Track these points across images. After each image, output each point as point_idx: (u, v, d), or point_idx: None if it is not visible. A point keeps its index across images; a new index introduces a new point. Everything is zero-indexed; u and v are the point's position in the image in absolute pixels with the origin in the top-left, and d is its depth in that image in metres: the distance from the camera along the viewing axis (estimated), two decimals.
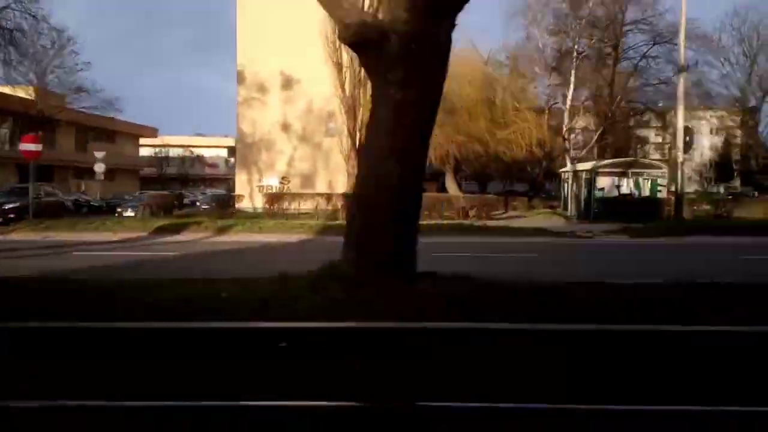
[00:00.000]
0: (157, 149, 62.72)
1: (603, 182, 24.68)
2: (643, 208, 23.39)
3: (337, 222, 22.28)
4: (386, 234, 7.06)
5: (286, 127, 34.74)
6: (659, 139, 72.19)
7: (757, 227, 18.31)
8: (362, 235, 7.19)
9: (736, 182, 62.74)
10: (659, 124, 71.77)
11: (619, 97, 34.06)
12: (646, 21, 35.97)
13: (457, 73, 27.06)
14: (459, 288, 6.89)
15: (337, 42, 30.13)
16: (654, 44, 36.19)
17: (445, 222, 21.57)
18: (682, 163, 21.13)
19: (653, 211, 23.29)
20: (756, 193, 51.89)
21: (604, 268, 10.87)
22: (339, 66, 29.79)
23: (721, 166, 65.42)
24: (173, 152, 66.24)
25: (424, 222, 21.91)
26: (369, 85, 30.11)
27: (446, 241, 16.01)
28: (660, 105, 41.84)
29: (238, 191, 35.31)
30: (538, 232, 18.64)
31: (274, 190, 33.04)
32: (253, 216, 25.97)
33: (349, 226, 7.42)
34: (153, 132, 56.28)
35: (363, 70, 29.84)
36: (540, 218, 27.98)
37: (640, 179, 24.17)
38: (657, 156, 74.09)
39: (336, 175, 32.36)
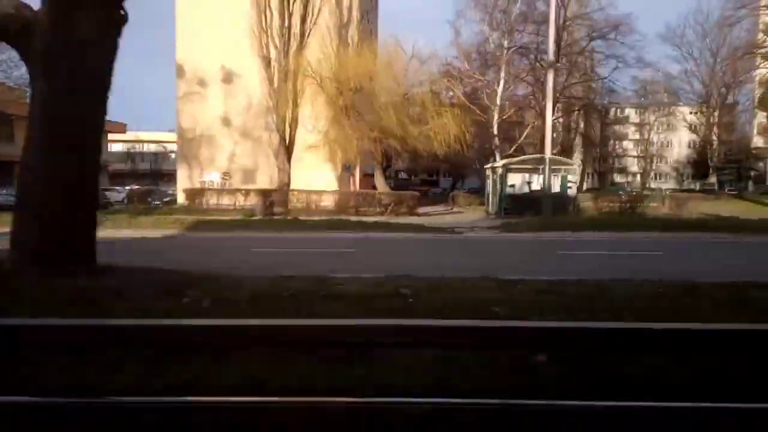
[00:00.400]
0: (130, 145, 63.01)
1: (515, 179, 24.49)
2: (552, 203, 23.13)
3: (214, 218, 22.39)
4: (43, 229, 6.95)
5: (226, 122, 34.77)
6: (637, 136, 71.76)
7: (629, 225, 18.03)
8: (22, 231, 7.11)
9: (713, 178, 61.92)
10: (637, 121, 71.55)
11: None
12: (586, 16, 35.51)
13: (378, 68, 26.88)
14: (116, 281, 6.85)
15: (263, 37, 30.12)
16: (591, 40, 35.71)
17: (332, 218, 21.43)
18: (549, 161, 20.85)
19: (561, 206, 23.05)
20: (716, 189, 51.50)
21: (387, 260, 10.98)
22: (267, 60, 29.72)
23: (698, 163, 64.59)
24: (149, 148, 66.47)
25: (316, 217, 21.92)
26: (300, 80, 30.08)
27: (303, 236, 16.04)
28: (598, 99, 41.38)
29: (180, 187, 35.30)
30: (418, 228, 18.44)
31: (215, 186, 33.18)
32: (168, 212, 25.90)
33: (14, 221, 7.33)
34: (121, 127, 56.33)
35: (290, 64, 29.88)
36: (464, 215, 27.77)
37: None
38: (634, 153, 73.70)
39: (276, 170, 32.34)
